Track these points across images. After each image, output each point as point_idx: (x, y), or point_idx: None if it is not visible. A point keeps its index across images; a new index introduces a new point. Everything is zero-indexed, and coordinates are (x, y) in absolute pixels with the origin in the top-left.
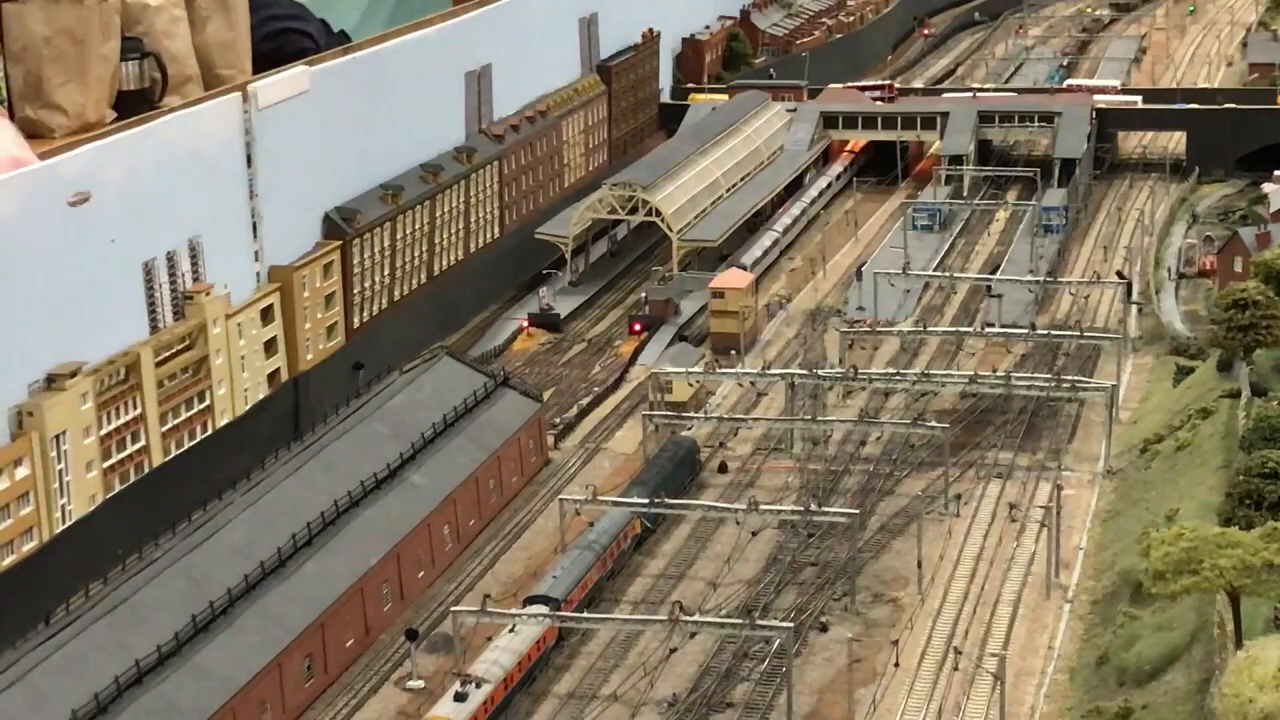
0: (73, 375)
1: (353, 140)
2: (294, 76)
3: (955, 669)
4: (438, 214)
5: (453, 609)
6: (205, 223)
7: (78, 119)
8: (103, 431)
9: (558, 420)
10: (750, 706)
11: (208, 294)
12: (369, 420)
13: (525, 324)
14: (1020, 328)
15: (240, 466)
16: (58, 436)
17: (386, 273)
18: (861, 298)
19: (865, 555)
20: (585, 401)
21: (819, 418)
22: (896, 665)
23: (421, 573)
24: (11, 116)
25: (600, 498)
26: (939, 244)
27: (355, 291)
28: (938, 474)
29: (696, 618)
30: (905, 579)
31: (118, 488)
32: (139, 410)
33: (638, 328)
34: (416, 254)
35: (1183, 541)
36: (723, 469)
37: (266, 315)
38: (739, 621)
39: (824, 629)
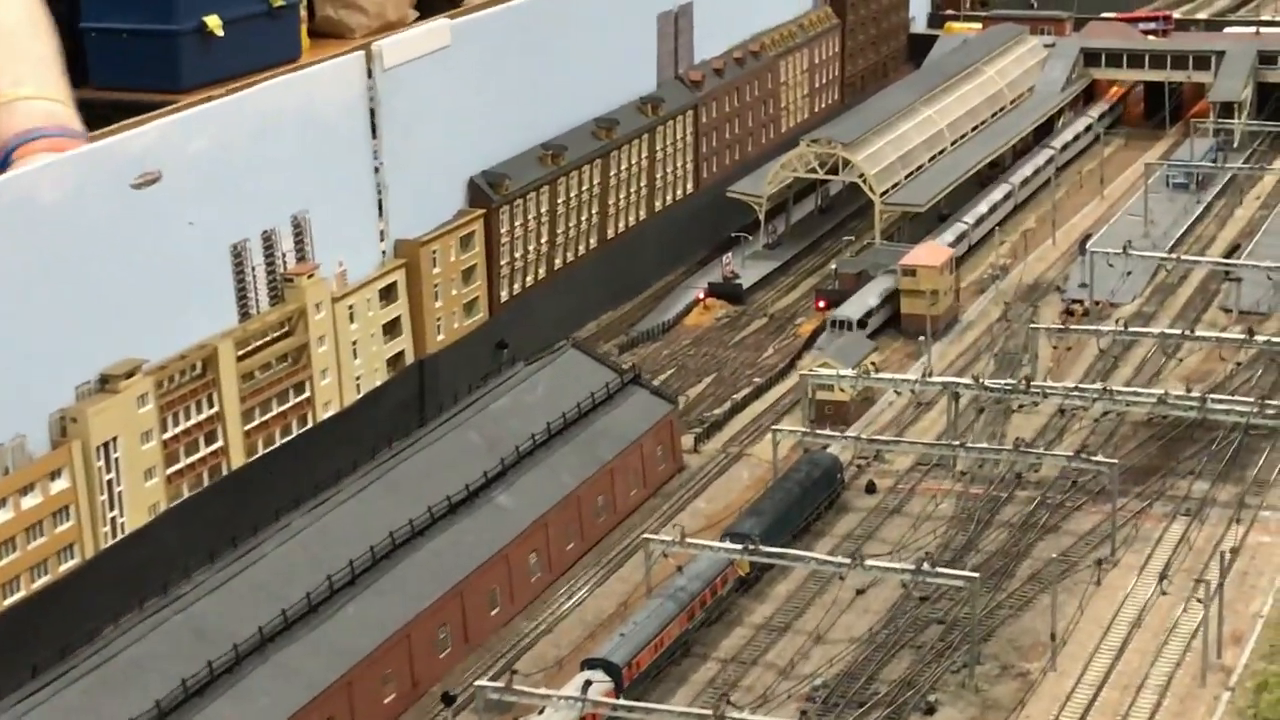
0: (129, 375)
1: (507, 98)
2: (431, 31)
3: None
4: (612, 173)
5: (477, 683)
6: (316, 197)
7: (378, 18)
8: (168, 434)
9: (705, 417)
10: None
11: (311, 275)
12: (461, 429)
13: (702, 295)
14: (1260, 313)
15: (349, 460)
16: (106, 444)
17: (544, 240)
18: (1084, 275)
19: (1004, 613)
20: (739, 396)
21: (968, 444)
22: None
23: (495, 610)
24: (311, 16)
25: (689, 540)
26: (1189, 208)
27: (503, 263)
28: (1117, 507)
29: (744, 715)
30: (1046, 646)
31: (186, 494)
32: (216, 408)
33: (823, 304)
34: (583, 218)
35: None
36: (870, 489)
37: (388, 294)
38: None
39: (930, 711)
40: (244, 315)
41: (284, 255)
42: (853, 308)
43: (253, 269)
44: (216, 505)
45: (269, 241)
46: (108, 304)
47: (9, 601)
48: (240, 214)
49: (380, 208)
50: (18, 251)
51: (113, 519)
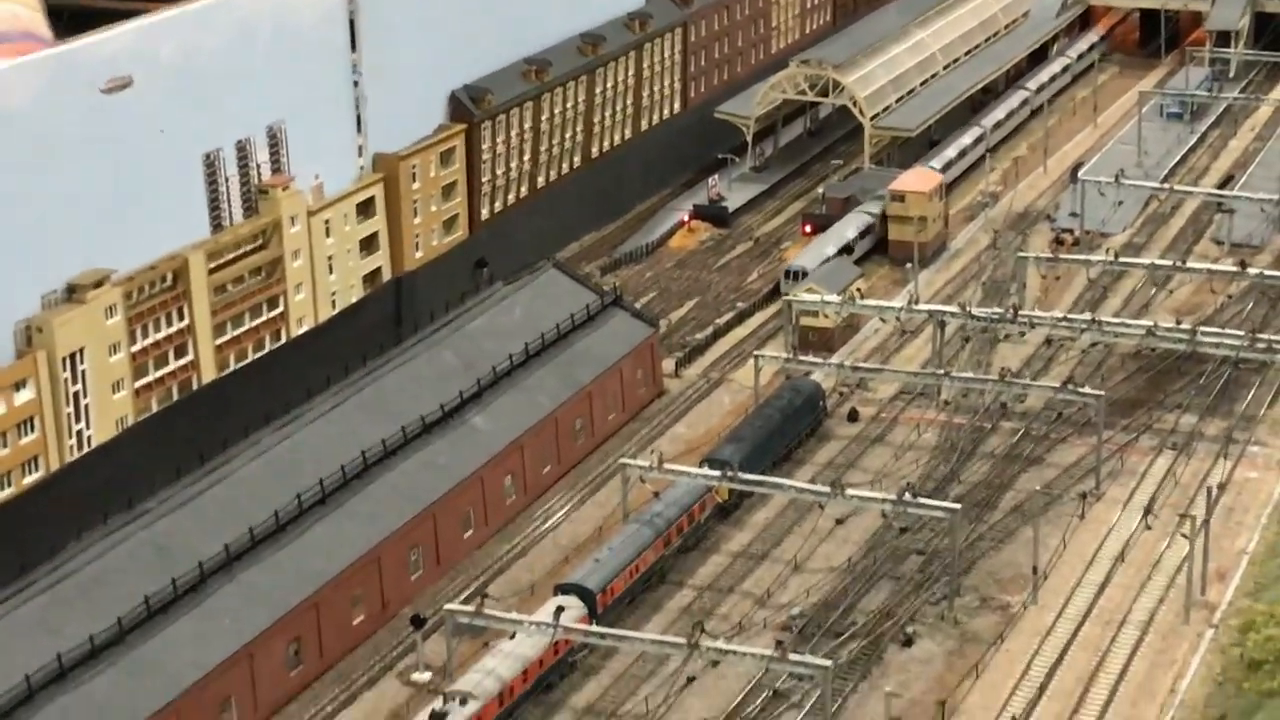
0: (97, 285)
1: (491, 10)
2: None
3: None
4: (598, 90)
5: (446, 607)
6: (293, 107)
7: None
8: (137, 346)
9: (687, 341)
10: None
11: (286, 188)
12: (437, 348)
13: (686, 218)
14: (1252, 246)
15: (323, 377)
16: (73, 355)
17: (527, 158)
18: (1075, 203)
19: (985, 545)
20: (722, 321)
21: (953, 373)
22: None
23: (469, 532)
24: None
25: (667, 466)
26: (1183, 138)
27: (484, 180)
28: (1104, 440)
29: (719, 644)
30: (1027, 579)
31: (155, 408)
32: (186, 321)
33: (809, 229)
34: (567, 136)
35: None
36: (853, 417)
37: (366, 209)
38: (767, 654)
39: (908, 642)
40: (216, 227)
41: (259, 166)
42: (808, 257)
43: (226, 179)
44: (187, 420)
45: (243, 152)
46: (76, 212)
47: None
48: (214, 123)
49: (359, 120)
50: None
51: (79, 432)
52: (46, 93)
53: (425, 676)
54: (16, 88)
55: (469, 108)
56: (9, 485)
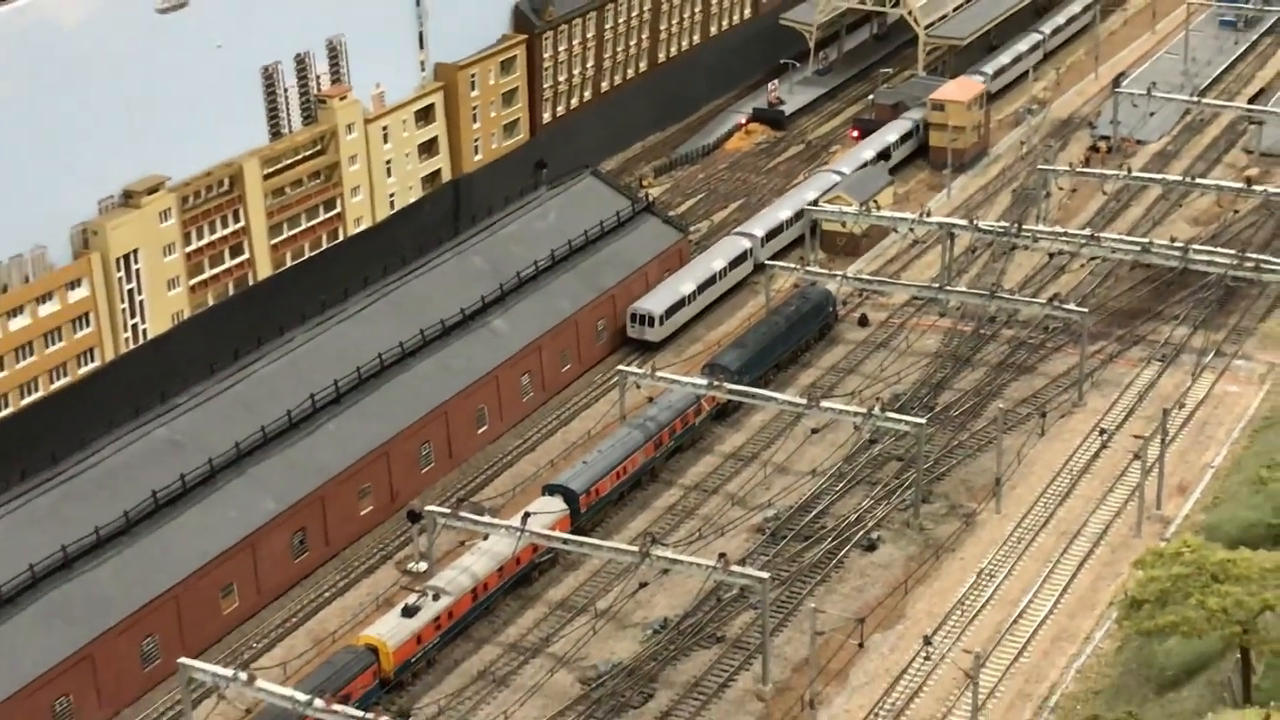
0: (151, 191)
1: None
2: None
3: (926, 658)
4: None
5: (427, 508)
6: (352, 21)
7: None
8: (191, 247)
9: None
10: (738, 645)
11: (343, 97)
12: (466, 254)
13: (744, 120)
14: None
15: (377, 272)
16: (127, 256)
17: (589, 65)
18: (1115, 113)
19: (964, 452)
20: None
21: (949, 287)
22: (861, 645)
23: (483, 428)
24: None
25: (659, 374)
26: (1226, 48)
27: (546, 86)
28: (1092, 351)
29: (669, 554)
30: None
31: (210, 303)
32: (242, 222)
33: (856, 134)
34: (632, 44)
35: (1178, 564)
36: (863, 322)
37: (426, 115)
38: (709, 564)
39: (871, 547)
40: (275, 135)
41: (318, 77)
42: (655, 300)
43: (285, 90)
44: (243, 314)
45: (302, 64)
46: (134, 124)
47: (28, 401)
48: (272, 38)
49: (420, 32)
50: (40, 73)
51: (134, 325)
52: (104, 11)
53: (422, 566)
54: (75, 7)
55: (531, 19)
56: (66, 375)
